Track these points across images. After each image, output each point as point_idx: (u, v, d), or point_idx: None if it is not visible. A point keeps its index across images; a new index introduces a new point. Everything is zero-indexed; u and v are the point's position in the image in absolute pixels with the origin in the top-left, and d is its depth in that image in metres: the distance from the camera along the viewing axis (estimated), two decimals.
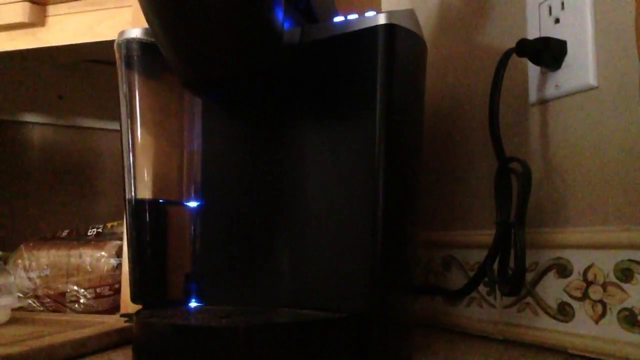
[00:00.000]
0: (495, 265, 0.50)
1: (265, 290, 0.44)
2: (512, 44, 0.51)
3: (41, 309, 0.64)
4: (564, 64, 0.49)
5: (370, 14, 0.43)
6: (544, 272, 0.49)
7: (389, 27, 0.41)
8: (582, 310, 0.46)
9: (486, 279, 0.52)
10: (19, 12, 0.64)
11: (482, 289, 0.56)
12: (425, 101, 0.48)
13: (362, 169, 0.41)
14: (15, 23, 0.65)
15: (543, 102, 0.52)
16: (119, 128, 0.83)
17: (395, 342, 0.42)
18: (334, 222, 0.42)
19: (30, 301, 0.64)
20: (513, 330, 0.52)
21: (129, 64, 0.46)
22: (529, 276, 0.51)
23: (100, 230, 0.69)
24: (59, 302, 0.64)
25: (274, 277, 0.44)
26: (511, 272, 0.48)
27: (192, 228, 0.48)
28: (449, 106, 0.65)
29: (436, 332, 0.59)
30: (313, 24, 0.46)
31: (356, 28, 0.42)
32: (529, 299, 0.51)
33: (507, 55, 0.50)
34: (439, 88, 0.66)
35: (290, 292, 0.43)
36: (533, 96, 0.53)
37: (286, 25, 0.44)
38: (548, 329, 0.49)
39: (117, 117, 0.80)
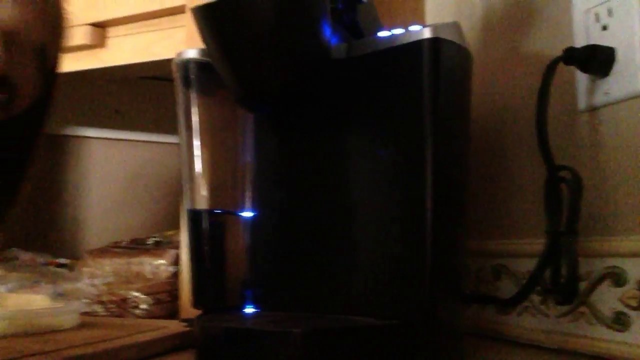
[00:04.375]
0: (548, 274, 0.49)
1: (317, 297, 0.46)
2: (559, 52, 0.51)
3: (106, 314, 0.68)
4: (613, 70, 0.49)
5: (415, 28, 0.44)
6: (598, 281, 0.49)
7: (434, 41, 0.42)
8: (638, 320, 0.45)
9: (538, 287, 0.52)
10: (82, 35, 0.69)
11: (534, 298, 0.56)
12: (472, 109, 0.48)
13: (411, 179, 0.42)
14: (79, 45, 0.70)
15: (592, 109, 0.51)
16: (172, 141, 0.87)
17: (444, 350, 0.42)
18: (383, 230, 0.43)
19: (95, 307, 0.68)
20: (567, 340, 0.52)
21: (186, 83, 0.48)
22: (583, 285, 0.50)
23: (158, 239, 0.72)
24: (122, 307, 0.68)
25: (325, 285, 0.45)
26: (563, 280, 0.48)
27: (247, 237, 0.50)
28: (496, 113, 0.65)
29: (488, 342, 0.59)
30: (359, 39, 0.47)
31: (401, 42, 0.43)
32: (583, 309, 0.50)
33: (553, 64, 0.50)
34: (486, 95, 0.66)
35: (342, 299, 0.44)
36: (582, 103, 0.52)
37: (333, 41, 0.46)
38: (603, 338, 0.48)
39: (170, 131, 0.84)
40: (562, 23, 0.56)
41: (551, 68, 0.50)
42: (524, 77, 0.61)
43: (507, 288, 0.60)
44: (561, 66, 0.51)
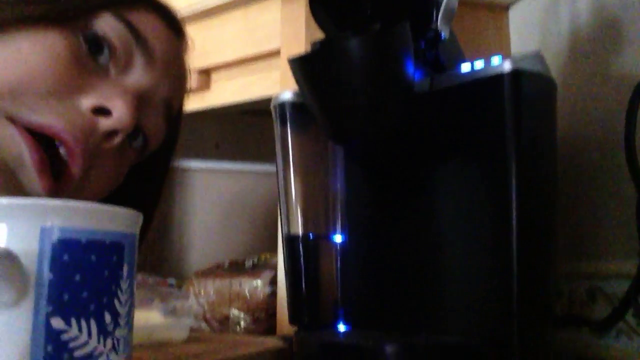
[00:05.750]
0: None
1: (406, 316, 0.48)
2: None
3: (209, 330, 0.75)
4: None
5: (496, 60, 0.46)
6: None
7: (515, 73, 0.43)
8: None
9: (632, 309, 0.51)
10: (192, 80, 0.77)
11: (631, 320, 0.55)
12: (560, 132, 0.49)
13: (496, 206, 0.44)
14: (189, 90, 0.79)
15: None
16: (267, 170, 0.93)
17: None
18: (471, 253, 0.45)
19: (201, 323, 0.75)
20: None
21: (282, 121, 0.54)
22: None
23: (255, 261, 0.78)
24: (224, 324, 0.74)
25: (414, 305, 0.48)
26: None
27: (338, 259, 0.54)
28: (584, 136, 0.65)
29: None
30: (442, 74, 0.50)
31: (482, 75, 0.45)
32: None
33: None
34: (574, 118, 0.66)
35: (431, 319, 0.47)
36: None
37: (416, 76, 0.49)
38: None
39: (265, 160, 0.90)
40: None
41: (638, 91, 0.50)
42: (612, 99, 0.60)
43: (603, 310, 0.59)
44: None
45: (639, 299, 0.49)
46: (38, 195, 0.37)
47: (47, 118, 0.37)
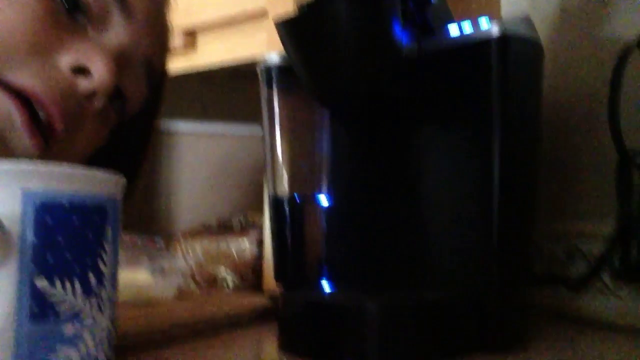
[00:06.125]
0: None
1: (390, 275, 0.50)
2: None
3: (197, 288, 0.76)
4: None
5: (483, 23, 0.45)
6: None
7: (502, 39, 0.43)
8: None
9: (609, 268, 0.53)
10: (176, 40, 0.76)
11: (607, 279, 0.56)
12: (545, 94, 0.49)
13: (480, 167, 0.44)
14: (173, 49, 0.77)
15: None
16: (254, 133, 0.93)
17: (513, 326, 0.45)
18: (452, 213, 0.46)
19: (189, 282, 0.76)
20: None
21: (269, 85, 0.54)
22: None
23: (242, 221, 0.79)
24: (211, 284, 0.75)
25: (396, 264, 0.49)
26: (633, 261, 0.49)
27: (323, 220, 0.54)
28: (571, 99, 0.65)
29: (560, 322, 0.60)
30: (430, 38, 0.49)
31: (470, 40, 0.45)
32: None
33: (627, 50, 0.50)
34: (560, 80, 0.66)
35: (414, 276, 0.48)
36: None
37: (405, 40, 0.48)
38: None
39: (252, 123, 0.89)
40: None
41: (625, 54, 0.50)
42: (598, 62, 0.60)
43: (580, 269, 0.60)
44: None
45: (615, 258, 0.51)
46: (28, 154, 0.37)
47: (26, 79, 0.36)
